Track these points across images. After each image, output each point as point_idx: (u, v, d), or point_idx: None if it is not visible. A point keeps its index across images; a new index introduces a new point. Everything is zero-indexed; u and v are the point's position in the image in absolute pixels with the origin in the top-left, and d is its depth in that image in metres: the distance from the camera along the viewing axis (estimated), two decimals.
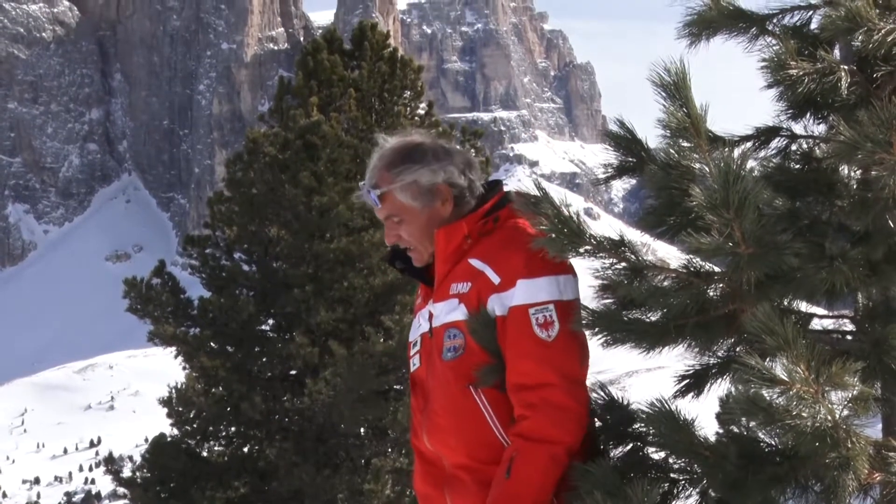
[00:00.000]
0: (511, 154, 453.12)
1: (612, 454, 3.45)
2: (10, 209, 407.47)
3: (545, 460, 3.37)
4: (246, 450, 18.13)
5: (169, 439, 18.23)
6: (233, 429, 18.21)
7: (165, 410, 18.20)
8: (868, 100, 3.10)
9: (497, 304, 3.49)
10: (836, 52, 3.33)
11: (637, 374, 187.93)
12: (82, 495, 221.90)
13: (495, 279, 3.50)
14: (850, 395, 2.86)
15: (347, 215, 17.57)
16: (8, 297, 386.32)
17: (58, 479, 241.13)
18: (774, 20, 3.48)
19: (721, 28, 3.45)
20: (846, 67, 3.22)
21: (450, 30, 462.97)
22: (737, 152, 3.16)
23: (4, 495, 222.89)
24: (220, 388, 17.87)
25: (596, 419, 3.54)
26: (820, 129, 3.44)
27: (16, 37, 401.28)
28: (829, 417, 2.79)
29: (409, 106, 19.64)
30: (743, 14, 3.45)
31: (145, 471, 18.00)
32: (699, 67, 3.22)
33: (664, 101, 3.16)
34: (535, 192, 3.39)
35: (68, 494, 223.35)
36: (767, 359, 2.84)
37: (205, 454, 18.15)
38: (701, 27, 3.45)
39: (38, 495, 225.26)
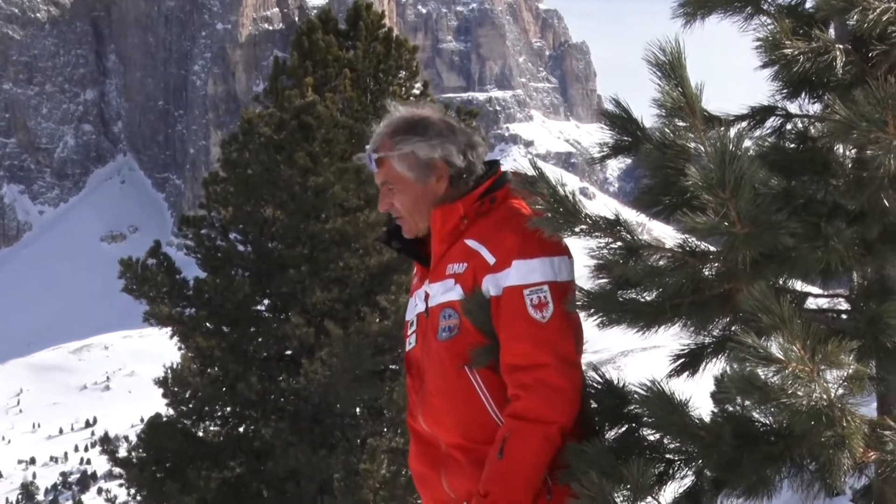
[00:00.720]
0: (506, 134, 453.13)
1: (607, 435, 3.45)
2: (5, 190, 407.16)
3: (538, 440, 3.38)
4: (242, 430, 18.13)
5: (164, 419, 18.23)
6: (228, 409, 18.21)
7: (161, 391, 18.19)
8: (863, 79, 3.10)
9: (492, 285, 3.49)
10: (832, 32, 3.32)
11: (633, 354, 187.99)
12: (78, 475, 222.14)
13: (490, 259, 3.51)
14: (845, 374, 2.86)
15: (343, 195, 17.55)
16: (3, 277, 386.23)
17: (53, 459, 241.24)
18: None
19: (716, 7, 3.44)
20: (841, 46, 3.21)
21: (445, 9, 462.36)
22: (732, 132, 3.16)
23: (0, 475, 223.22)
24: (216, 369, 17.86)
25: (591, 401, 3.54)
26: (815, 108, 3.43)
27: (10, 17, 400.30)
28: (825, 396, 2.79)
29: (404, 86, 19.60)
30: None
31: (141, 451, 17.99)
32: (694, 47, 3.21)
33: (659, 80, 3.15)
34: (531, 171, 3.39)
35: (64, 475, 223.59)
36: (763, 338, 2.84)
37: (200, 434, 18.15)
38: (696, 6, 3.44)
39: (34, 475, 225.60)
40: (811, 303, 3.29)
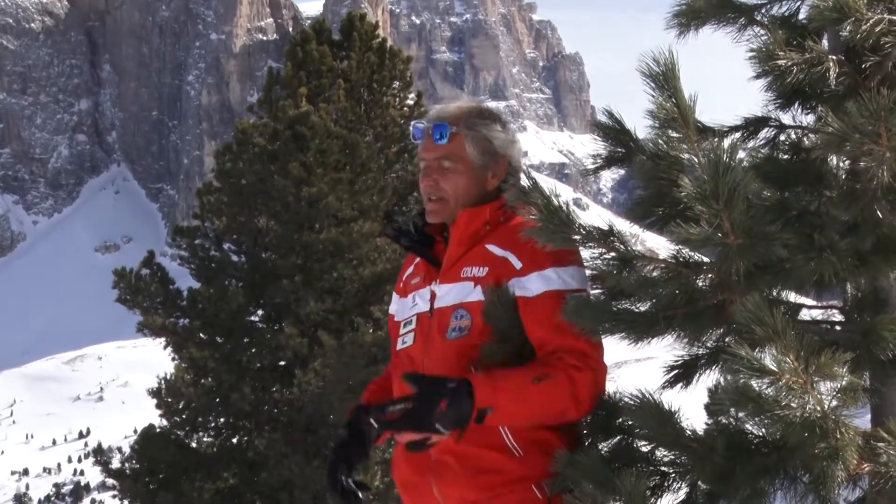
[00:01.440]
0: None
1: (600, 447, 3.44)
2: None
3: (568, 400, 3.37)
4: (235, 440, 18.13)
5: (158, 430, 18.23)
6: (222, 420, 18.21)
7: (155, 401, 18.19)
8: (856, 90, 3.09)
9: (518, 288, 3.49)
10: (825, 43, 3.32)
11: (626, 365, 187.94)
12: (71, 486, 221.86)
13: (517, 265, 3.51)
14: (838, 386, 2.86)
15: (336, 206, 17.56)
16: None
17: (47, 470, 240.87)
18: (763, 10, 3.48)
19: (709, 18, 3.44)
20: (834, 58, 3.21)
21: (438, 20, 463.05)
22: (726, 143, 3.16)
23: None
24: (210, 379, 17.87)
25: None
26: (808, 119, 3.44)
27: (4, 27, 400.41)
28: (818, 408, 2.79)
29: (397, 96, 19.62)
30: (731, 4, 3.45)
31: (134, 462, 17.99)
32: (688, 58, 3.21)
33: (653, 91, 3.15)
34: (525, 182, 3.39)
35: (57, 486, 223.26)
36: (756, 349, 2.83)
37: (194, 445, 18.15)
38: (689, 17, 3.45)
39: (27, 486, 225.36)
40: (805, 314, 3.29)
